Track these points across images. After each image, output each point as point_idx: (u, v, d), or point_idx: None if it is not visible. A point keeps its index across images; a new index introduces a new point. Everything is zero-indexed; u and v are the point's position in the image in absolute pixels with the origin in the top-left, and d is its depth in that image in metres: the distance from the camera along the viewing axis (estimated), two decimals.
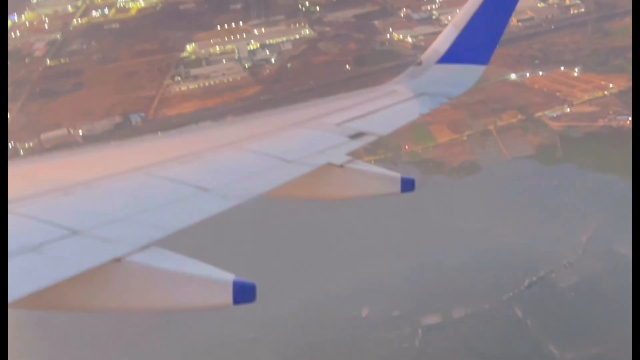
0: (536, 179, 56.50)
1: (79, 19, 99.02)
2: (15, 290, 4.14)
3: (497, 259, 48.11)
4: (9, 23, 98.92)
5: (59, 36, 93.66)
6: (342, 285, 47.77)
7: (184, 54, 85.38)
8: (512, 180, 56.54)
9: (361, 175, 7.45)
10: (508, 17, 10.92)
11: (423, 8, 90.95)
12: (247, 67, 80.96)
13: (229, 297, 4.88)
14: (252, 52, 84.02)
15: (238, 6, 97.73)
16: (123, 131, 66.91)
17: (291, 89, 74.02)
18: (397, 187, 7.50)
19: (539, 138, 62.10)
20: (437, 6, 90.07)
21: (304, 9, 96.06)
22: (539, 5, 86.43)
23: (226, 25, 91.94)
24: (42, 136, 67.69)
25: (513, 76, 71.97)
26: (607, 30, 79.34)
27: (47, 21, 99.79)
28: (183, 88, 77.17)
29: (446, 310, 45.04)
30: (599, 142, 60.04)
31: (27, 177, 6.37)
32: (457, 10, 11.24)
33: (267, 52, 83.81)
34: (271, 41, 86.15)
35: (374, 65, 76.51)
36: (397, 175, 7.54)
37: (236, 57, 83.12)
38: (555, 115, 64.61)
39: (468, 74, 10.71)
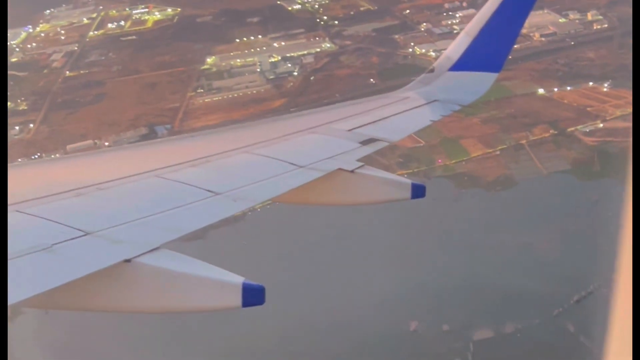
0: (575, 193, 56.03)
1: (95, 31, 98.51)
2: (26, 289, 4.23)
3: (544, 273, 47.47)
4: (24, 34, 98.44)
5: (76, 47, 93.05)
6: (384, 296, 47.17)
7: (205, 66, 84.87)
8: (551, 195, 56.08)
9: (372, 181, 7.45)
10: (521, 26, 10.87)
11: (444, 23, 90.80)
12: (270, 79, 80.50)
13: (238, 299, 4.92)
14: (274, 65, 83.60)
15: (255, 19, 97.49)
16: None
17: (317, 101, 73.51)
18: (408, 193, 7.52)
19: (573, 153, 61.70)
20: (457, 21, 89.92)
21: (322, 22, 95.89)
22: (560, 20, 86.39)
23: (245, 39, 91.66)
24: (68, 147, 66.83)
25: (541, 91, 71.70)
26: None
27: (62, 33, 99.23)
28: (207, 100, 76.61)
29: (497, 324, 44.37)
30: None
31: (41, 178, 6.49)
32: None
33: (289, 65, 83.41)
34: (292, 54, 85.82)
35: (398, 79, 75.99)
36: (408, 181, 7.58)
37: (258, 70, 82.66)
38: (588, 131, 64.26)
39: (480, 81, 10.70)
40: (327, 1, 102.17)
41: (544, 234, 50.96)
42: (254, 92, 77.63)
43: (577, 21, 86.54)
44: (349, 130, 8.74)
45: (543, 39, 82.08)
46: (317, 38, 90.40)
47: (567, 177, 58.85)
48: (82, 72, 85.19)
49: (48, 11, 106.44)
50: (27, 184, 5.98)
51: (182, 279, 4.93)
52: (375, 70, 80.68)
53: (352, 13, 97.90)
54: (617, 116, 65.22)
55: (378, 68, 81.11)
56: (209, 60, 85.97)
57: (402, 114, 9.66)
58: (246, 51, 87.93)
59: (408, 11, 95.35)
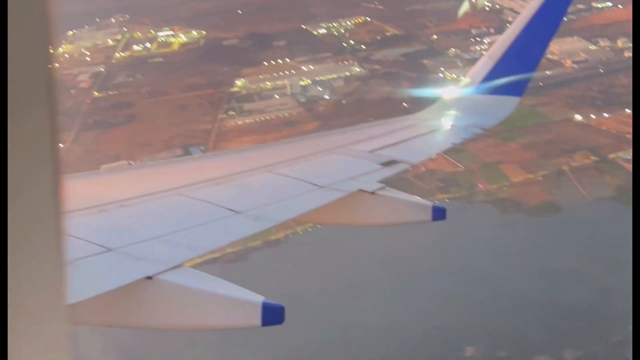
0: (623, 220, 55.15)
1: (120, 52, 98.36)
2: None
3: (597, 300, 46.67)
4: None
5: (102, 68, 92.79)
6: (436, 320, 46.32)
7: (235, 89, 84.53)
8: (598, 221, 55.34)
9: (393, 203, 7.49)
10: (543, 51, 10.95)
11: (472, 48, 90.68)
12: (301, 102, 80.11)
13: (257, 318, 4.93)
14: (305, 88, 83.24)
15: (281, 43, 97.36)
16: None
17: (351, 125, 72.90)
18: (429, 215, 7.49)
19: (616, 180, 61.05)
20: (485, 47, 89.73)
21: (349, 46, 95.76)
22: (590, 47, 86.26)
23: (272, 62, 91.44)
24: (103, 167, 66.19)
25: (578, 117, 71.24)
26: None
27: (87, 54, 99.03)
28: (239, 122, 76.12)
29: (556, 351, 43.42)
30: None
31: (64, 194, 6.11)
32: None
33: (319, 88, 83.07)
34: (321, 78, 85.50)
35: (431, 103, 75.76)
36: (429, 203, 7.62)
37: (289, 93, 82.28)
38: (629, 158, 63.66)
39: (502, 105, 10.76)
40: (352, 26, 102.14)
41: (594, 260, 50.19)
42: (286, 114, 77.20)
43: (607, 48, 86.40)
44: (370, 151, 8.80)
45: (575, 65, 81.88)
46: (345, 62, 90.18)
47: (612, 203, 58.14)
48: (110, 93, 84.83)
49: (71, 32, 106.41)
50: None
51: (203, 297, 4.97)
52: (407, 94, 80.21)
53: (378, 38, 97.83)
54: None
55: (409, 92, 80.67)
56: (239, 82, 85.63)
57: (424, 136, 9.73)
58: (275, 74, 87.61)
59: (435, 37, 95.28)
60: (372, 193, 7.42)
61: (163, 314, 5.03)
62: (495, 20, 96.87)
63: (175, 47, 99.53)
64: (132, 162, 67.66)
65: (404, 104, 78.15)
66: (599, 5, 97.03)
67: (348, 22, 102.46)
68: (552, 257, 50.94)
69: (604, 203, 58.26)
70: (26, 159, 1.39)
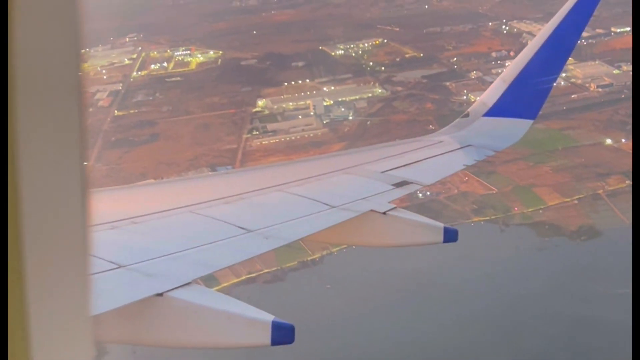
0: None
1: (138, 71, 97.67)
2: None
3: None
4: None
5: (120, 87, 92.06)
6: (480, 346, 45.43)
7: (257, 109, 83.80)
8: None
9: (404, 224, 7.49)
10: (557, 74, 10.90)
11: (494, 71, 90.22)
12: (325, 123, 79.41)
13: (267, 337, 4.91)
14: (328, 109, 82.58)
15: (300, 64, 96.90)
16: None
17: (376, 145, 72.31)
18: (440, 237, 7.48)
19: None
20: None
21: (368, 68, 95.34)
22: (614, 72, 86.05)
23: (292, 82, 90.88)
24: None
25: (608, 141, 70.76)
26: None
27: (104, 72, 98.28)
28: (264, 142, 75.35)
29: None
30: None
31: None
32: None
33: (343, 109, 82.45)
34: (344, 98, 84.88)
35: None
36: (440, 224, 7.55)
37: (312, 113, 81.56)
38: None
39: (515, 128, 10.68)
40: (369, 47, 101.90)
41: None
42: (311, 135, 76.47)
43: (631, 72, 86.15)
44: (383, 172, 8.79)
45: (600, 90, 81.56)
46: (366, 83, 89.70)
47: None
48: (131, 111, 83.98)
49: (84, 51, 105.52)
50: None
51: (212, 315, 4.98)
52: (432, 116, 79.75)
53: (397, 59, 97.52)
54: None
55: (434, 114, 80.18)
56: (260, 102, 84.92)
57: (436, 158, 9.66)
58: (296, 94, 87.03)
59: (455, 59, 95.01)
60: (384, 213, 7.38)
61: (173, 331, 5.01)
62: (515, 43, 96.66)
63: (193, 66, 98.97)
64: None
65: (430, 126, 77.80)
66: (618, 30, 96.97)
67: (365, 44, 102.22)
68: (596, 281, 50.14)
69: None
70: (53, 168, 1.40)
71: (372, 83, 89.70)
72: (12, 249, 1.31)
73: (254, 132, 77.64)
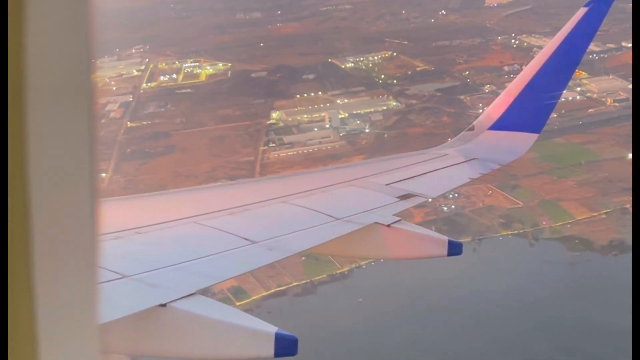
0: None
1: (147, 83, 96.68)
2: None
3: None
4: None
5: (130, 98, 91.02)
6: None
7: (271, 121, 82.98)
8: None
9: (408, 236, 7.49)
10: (562, 89, 10.85)
11: (507, 85, 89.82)
12: (342, 135, 78.69)
13: (270, 349, 4.88)
14: (343, 121, 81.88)
15: (311, 76, 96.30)
16: None
17: (381, 158, 71.64)
18: (444, 250, 7.47)
19: None
20: None
21: (380, 81, 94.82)
22: (629, 87, 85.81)
23: (305, 95, 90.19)
24: None
25: (630, 156, 70.33)
26: None
27: (112, 84, 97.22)
28: (281, 154, 74.52)
29: None
30: None
31: None
32: None
33: (358, 121, 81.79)
34: (358, 111, 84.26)
35: None
36: (445, 238, 7.57)
37: (328, 126, 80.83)
38: None
39: (520, 141, 10.69)
40: (379, 60, 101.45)
41: None
42: (329, 147, 75.72)
43: None
44: (387, 184, 8.79)
45: (617, 104, 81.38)
46: (380, 96, 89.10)
47: None
48: (144, 123, 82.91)
49: (95, 60, 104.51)
50: None
51: (215, 326, 4.96)
52: (449, 129, 79.07)
53: (409, 73, 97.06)
54: None
55: (451, 127, 79.53)
56: (275, 114, 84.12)
57: (441, 171, 9.68)
58: (309, 107, 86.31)
59: (467, 72, 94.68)
60: (388, 226, 7.37)
61: (175, 342, 4.98)
62: (526, 57, 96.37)
63: (203, 78, 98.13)
64: None
65: (449, 139, 77.20)
66: (629, 45, 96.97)
67: (375, 57, 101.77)
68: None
69: None
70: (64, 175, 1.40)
71: (385, 96, 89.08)
72: (20, 256, 1.31)
73: (271, 144, 76.82)
